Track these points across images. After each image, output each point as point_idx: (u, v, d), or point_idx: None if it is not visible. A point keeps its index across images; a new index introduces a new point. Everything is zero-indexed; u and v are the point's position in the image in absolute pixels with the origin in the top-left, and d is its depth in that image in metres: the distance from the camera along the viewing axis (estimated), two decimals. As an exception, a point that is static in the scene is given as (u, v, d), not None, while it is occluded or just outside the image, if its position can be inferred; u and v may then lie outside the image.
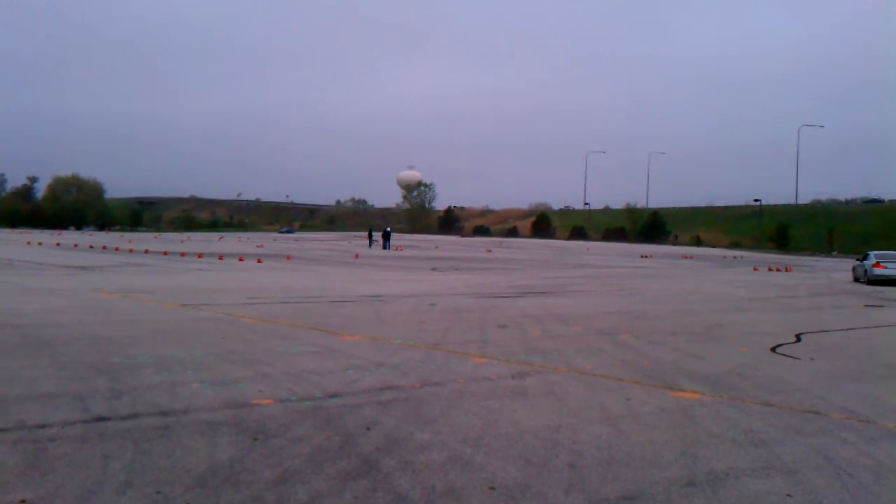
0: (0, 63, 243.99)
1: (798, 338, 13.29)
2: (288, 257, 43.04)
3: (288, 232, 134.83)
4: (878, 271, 33.52)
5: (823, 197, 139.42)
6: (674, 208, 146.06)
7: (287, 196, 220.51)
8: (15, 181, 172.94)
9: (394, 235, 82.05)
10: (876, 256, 34.86)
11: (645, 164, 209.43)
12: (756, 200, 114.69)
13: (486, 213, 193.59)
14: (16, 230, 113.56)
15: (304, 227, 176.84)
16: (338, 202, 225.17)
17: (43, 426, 6.11)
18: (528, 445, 6.02)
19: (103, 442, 5.73)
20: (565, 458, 5.74)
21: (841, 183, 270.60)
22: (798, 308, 19.80)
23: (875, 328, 15.97)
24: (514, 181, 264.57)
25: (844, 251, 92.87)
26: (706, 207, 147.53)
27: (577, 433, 6.43)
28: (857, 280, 35.94)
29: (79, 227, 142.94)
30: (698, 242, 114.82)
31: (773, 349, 11.86)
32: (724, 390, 8.45)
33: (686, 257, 64.17)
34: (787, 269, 45.43)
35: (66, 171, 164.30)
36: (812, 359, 11.06)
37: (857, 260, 37.61)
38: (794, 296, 24.25)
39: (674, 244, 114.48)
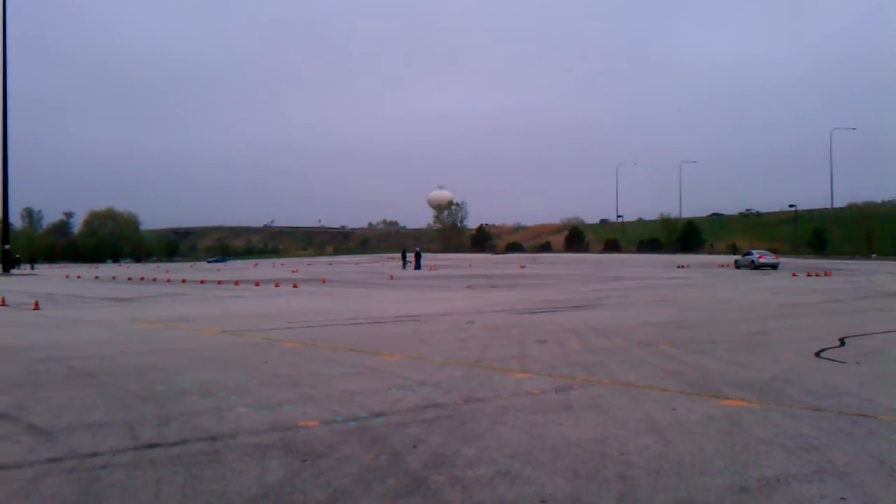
0: (36, 103, 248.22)
1: (842, 342, 13.10)
2: (323, 281, 43.27)
3: (219, 261, 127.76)
4: (760, 261, 55.85)
5: (860, 200, 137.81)
6: (708, 217, 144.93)
7: (319, 221, 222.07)
8: (51, 217, 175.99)
9: (427, 255, 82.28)
10: (757, 252, 58.79)
11: (676, 174, 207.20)
12: (791, 206, 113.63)
13: (518, 229, 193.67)
14: (54, 265, 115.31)
15: (337, 251, 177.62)
16: (370, 224, 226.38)
17: (94, 454, 6.19)
18: (576, 458, 5.99)
19: (154, 468, 5.79)
20: (614, 469, 5.70)
21: (877, 184, 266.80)
22: (840, 312, 19.54)
23: (921, 329, 15.69)
24: (545, 196, 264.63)
25: (885, 253, 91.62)
26: (741, 215, 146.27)
27: (624, 444, 6.39)
28: (738, 267, 57.39)
29: (116, 260, 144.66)
30: (734, 250, 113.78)
31: (817, 354, 11.71)
32: (770, 396, 8.35)
33: (723, 266, 63.59)
34: (826, 274, 44.85)
35: (101, 205, 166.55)
36: (857, 362, 10.90)
37: (741, 255, 61.85)
38: (835, 300, 23.93)
39: (710, 253, 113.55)
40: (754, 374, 9.90)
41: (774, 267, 54.98)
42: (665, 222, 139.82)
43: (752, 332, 14.86)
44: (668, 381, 9.40)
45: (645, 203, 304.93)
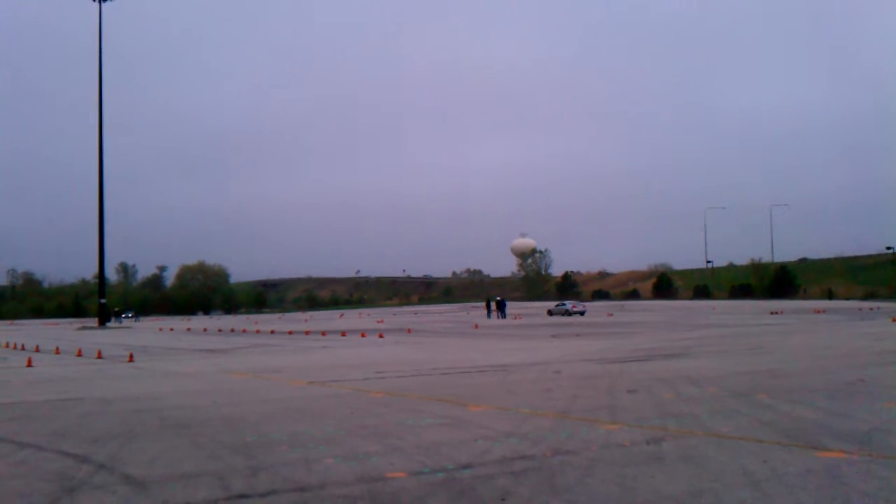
0: (129, 162, 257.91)
1: (949, 390, 12.51)
2: (409, 331, 43.49)
3: (124, 317, 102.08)
4: (573, 310, 69.58)
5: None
6: (802, 261, 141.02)
7: (404, 271, 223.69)
8: (145, 271, 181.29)
9: (512, 304, 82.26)
10: (570, 302, 77.28)
11: (767, 218, 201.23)
12: (888, 248, 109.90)
13: (604, 276, 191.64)
14: (147, 318, 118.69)
15: (422, 300, 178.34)
16: (453, 273, 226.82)
17: (187, 505, 6.28)
18: (670, 512, 5.82)
19: (245, 519, 5.84)
20: (710, 524, 5.51)
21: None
22: (946, 359, 18.68)
23: None
24: (631, 243, 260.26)
25: None
26: (836, 259, 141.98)
27: (719, 498, 6.18)
28: (551, 315, 68.75)
29: (206, 312, 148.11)
30: (830, 296, 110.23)
31: (922, 403, 11.19)
32: (872, 448, 7.99)
33: (819, 311, 61.62)
34: (929, 319, 42.96)
35: (192, 259, 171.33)
36: (968, 412, 10.38)
37: (555, 305, 76.20)
38: (941, 346, 22.91)
39: (804, 298, 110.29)
40: (854, 423, 9.50)
41: (582, 314, 67.85)
42: (756, 267, 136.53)
43: (852, 380, 14.29)
44: (763, 431, 9.09)
45: (735, 248, 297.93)
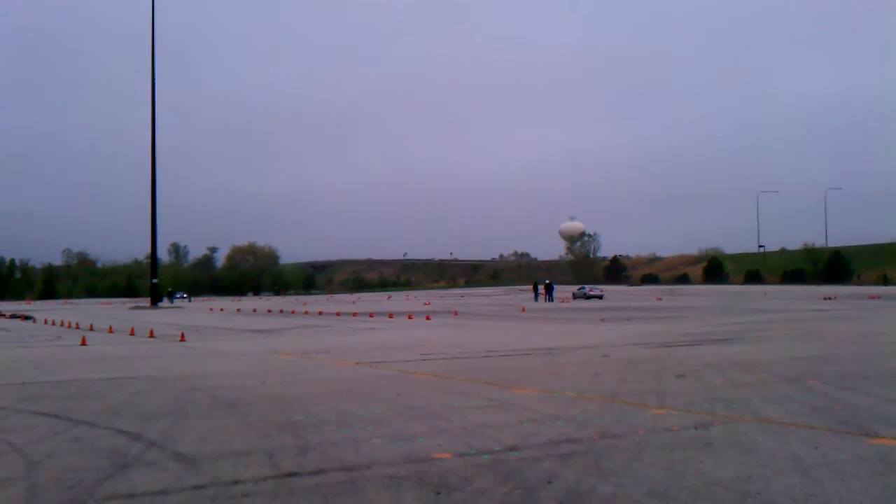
0: (181, 144, 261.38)
1: None
2: (455, 313, 43.54)
3: (178, 297, 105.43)
4: (590, 293, 73.19)
5: None
6: (856, 246, 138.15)
7: (451, 253, 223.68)
8: (196, 252, 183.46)
9: (560, 288, 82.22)
10: (588, 286, 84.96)
11: (821, 202, 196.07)
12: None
13: (653, 260, 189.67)
14: (198, 298, 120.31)
15: (468, 283, 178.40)
16: (501, 256, 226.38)
17: (237, 482, 6.37)
18: (718, 497, 5.77)
19: (294, 497, 5.91)
20: (759, 510, 5.46)
21: None
22: None
23: None
24: (681, 227, 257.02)
25: None
26: (892, 244, 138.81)
27: (768, 484, 6.11)
28: (575, 298, 71.57)
29: (256, 293, 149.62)
30: (885, 281, 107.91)
31: (981, 392, 10.94)
32: (929, 437, 7.84)
33: (873, 297, 60.37)
34: None
35: (242, 241, 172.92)
36: None
37: (577, 289, 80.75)
38: None
39: (858, 284, 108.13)
40: (910, 412, 9.33)
41: (600, 297, 70.80)
42: (809, 252, 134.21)
43: (907, 367, 14.04)
44: (814, 418, 8.96)
45: (788, 232, 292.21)
